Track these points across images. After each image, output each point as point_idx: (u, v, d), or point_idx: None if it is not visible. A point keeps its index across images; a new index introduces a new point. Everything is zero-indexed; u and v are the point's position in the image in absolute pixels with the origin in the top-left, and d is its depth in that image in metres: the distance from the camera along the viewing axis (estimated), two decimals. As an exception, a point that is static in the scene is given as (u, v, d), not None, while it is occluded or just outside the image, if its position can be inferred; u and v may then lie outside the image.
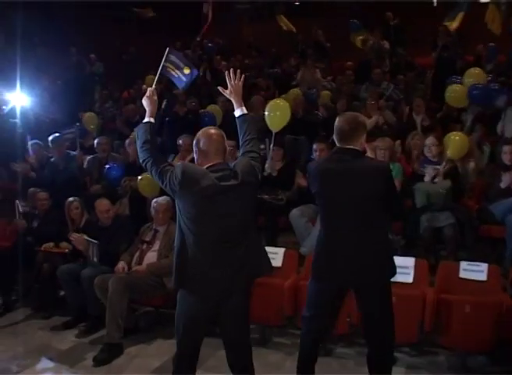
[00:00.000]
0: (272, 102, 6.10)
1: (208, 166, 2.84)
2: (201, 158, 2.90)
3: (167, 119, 6.81)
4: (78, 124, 7.65)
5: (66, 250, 5.00)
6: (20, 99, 7.97)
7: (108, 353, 4.05)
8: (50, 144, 6.79)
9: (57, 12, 11.70)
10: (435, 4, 12.64)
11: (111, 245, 4.79)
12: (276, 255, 4.48)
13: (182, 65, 3.48)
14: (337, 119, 3.15)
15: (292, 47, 11.96)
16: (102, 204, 5.03)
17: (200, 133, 2.94)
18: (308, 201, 5.01)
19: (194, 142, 2.94)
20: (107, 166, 6.05)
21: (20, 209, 5.54)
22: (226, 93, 3.08)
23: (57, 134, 6.80)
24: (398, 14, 10.96)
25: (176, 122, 6.87)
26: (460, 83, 6.66)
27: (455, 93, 6.54)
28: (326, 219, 3.20)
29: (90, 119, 7.83)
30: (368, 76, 8.88)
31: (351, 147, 3.07)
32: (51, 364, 4.11)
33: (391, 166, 4.90)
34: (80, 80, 11.17)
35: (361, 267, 3.04)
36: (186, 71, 3.49)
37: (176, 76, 3.48)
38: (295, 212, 5.11)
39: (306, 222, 5.02)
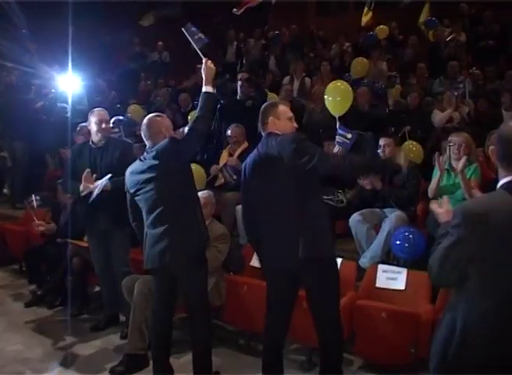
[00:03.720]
0: (331, 85, 5.53)
1: None
2: None
3: (218, 105, 6.15)
4: (123, 117, 7.18)
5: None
6: (72, 84, 7.67)
7: (127, 365, 3.52)
8: None
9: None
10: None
11: None
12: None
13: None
14: None
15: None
16: None
17: None
18: (371, 204, 4.36)
19: None
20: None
21: (34, 204, 5.12)
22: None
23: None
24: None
25: (230, 108, 6.21)
26: None
27: None
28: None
29: (135, 110, 7.65)
30: (442, 70, 8.08)
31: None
32: (66, 373, 3.65)
33: (468, 167, 4.19)
34: (138, 70, 10.97)
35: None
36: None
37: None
38: (355, 217, 4.40)
39: (368, 229, 4.32)
